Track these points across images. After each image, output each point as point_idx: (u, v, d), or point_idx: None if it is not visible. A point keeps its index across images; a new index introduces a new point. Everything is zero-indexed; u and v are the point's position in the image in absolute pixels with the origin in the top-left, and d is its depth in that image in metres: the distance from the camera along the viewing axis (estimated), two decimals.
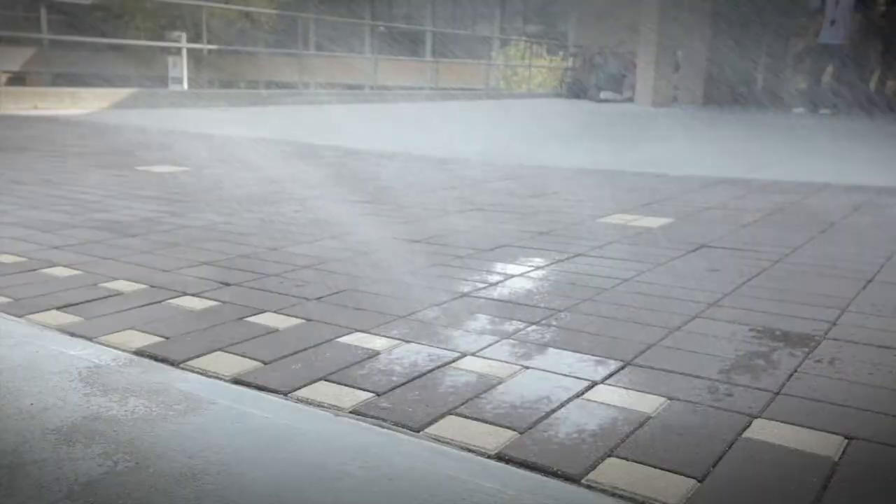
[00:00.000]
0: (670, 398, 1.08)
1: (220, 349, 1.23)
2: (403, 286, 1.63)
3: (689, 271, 1.81)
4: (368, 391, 1.08)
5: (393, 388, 1.09)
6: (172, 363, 1.17)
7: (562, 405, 1.05)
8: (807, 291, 1.65)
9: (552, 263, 1.87)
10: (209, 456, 0.88)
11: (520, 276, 1.74)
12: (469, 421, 0.99)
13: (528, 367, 1.18)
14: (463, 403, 1.05)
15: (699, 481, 0.86)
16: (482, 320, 1.41)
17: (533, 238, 2.17)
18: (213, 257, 1.85)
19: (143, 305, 1.46)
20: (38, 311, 1.40)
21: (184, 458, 0.88)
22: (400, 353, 1.23)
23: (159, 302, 1.48)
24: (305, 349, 1.24)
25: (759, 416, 1.02)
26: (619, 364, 1.20)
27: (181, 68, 9.68)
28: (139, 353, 1.21)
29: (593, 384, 1.12)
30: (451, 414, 1.01)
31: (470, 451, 0.92)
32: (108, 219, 2.31)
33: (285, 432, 0.95)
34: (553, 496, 0.82)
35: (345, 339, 1.29)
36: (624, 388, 1.11)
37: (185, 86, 9.67)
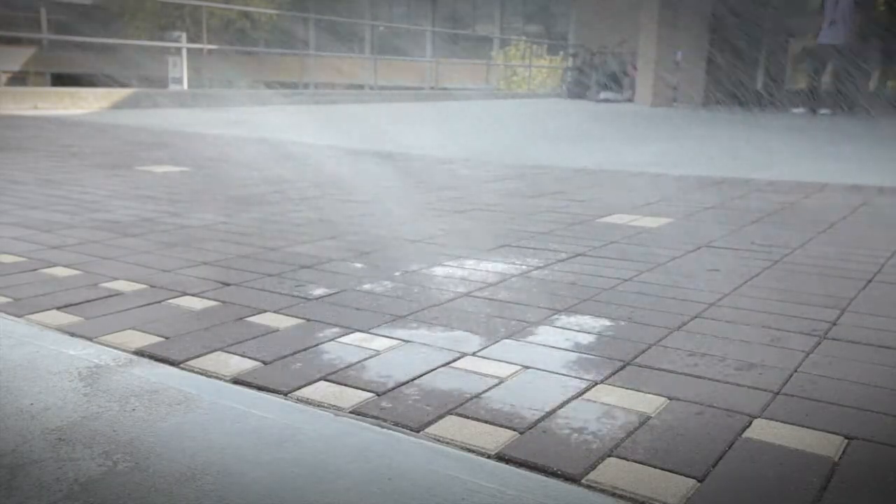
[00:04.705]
0: (670, 398, 1.08)
1: (220, 349, 1.23)
2: (403, 286, 1.63)
3: (689, 271, 1.81)
4: (368, 391, 1.08)
5: (393, 388, 1.09)
6: (172, 363, 1.17)
7: (562, 405, 1.05)
8: (807, 291, 1.65)
9: (552, 263, 1.87)
10: (209, 456, 0.88)
11: (519, 276, 1.74)
12: (469, 421, 0.99)
13: (528, 367, 1.18)
14: (463, 403, 1.05)
15: (699, 481, 0.86)
16: (482, 320, 1.41)
17: (533, 238, 2.17)
18: (213, 257, 1.85)
19: (143, 305, 1.46)
20: (38, 311, 1.40)
21: (184, 458, 0.88)
22: (400, 353, 1.23)
23: (159, 302, 1.48)
24: (305, 349, 1.24)
25: (759, 416, 1.02)
26: (619, 364, 1.20)
27: (181, 68, 9.68)
28: (139, 353, 1.21)
29: (593, 384, 1.12)
30: (451, 414, 1.01)
31: (470, 451, 0.92)
32: (108, 219, 2.31)
33: (285, 432, 0.95)
34: (553, 496, 0.82)
35: (345, 339, 1.29)
36: (624, 388, 1.11)
37: (185, 86, 9.67)
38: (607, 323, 1.41)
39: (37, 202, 2.56)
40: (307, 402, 1.05)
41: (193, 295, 1.53)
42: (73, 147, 4.34)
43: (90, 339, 1.26)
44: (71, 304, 1.45)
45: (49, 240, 2.00)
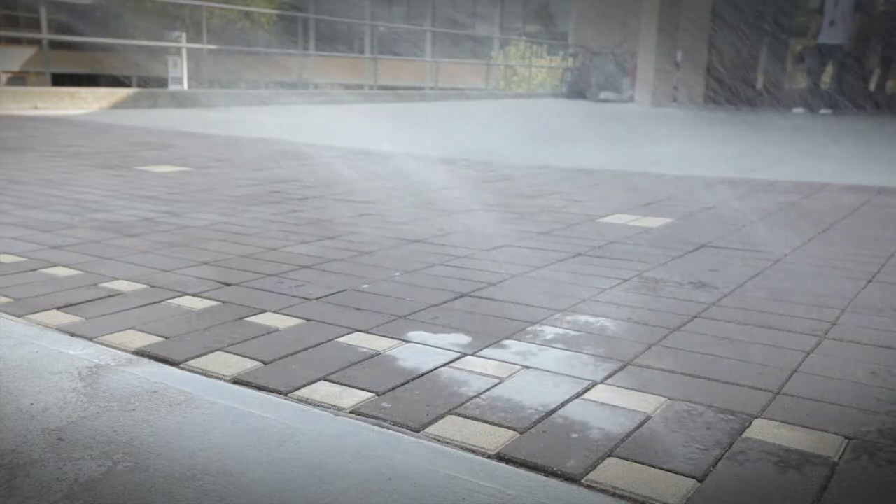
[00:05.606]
0: (670, 398, 1.08)
1: (220, 349, 1.23)
2: (403, 286, 1.63)
3: (688, 271, 1.81)
4: (368, 391, 1.08)
5: (393, 388, 1.09)
6: (172, 363, 1.17)
7: (562, 405, 1.05)
8: (807, 291, 1.65)
9: (552, 263, 1.87)
10: (209, 456, 0.88)
11: (519, 276, 1.74)
12: (469, 421, 0.99)
13: (528, 367, 1.18)
14: (463, 403, 1.05)
15: (699, 481, 0.86)
16: (481, 320, 1.41)
17: (533, 238, 2.17)
18: (213, 257, 1.85)
19: (143, 305, 1.46)
20: (38, 311, 1.40)
21: (184, 458, 0.88)
22: (400, 353, 1.23)
23: (159, 302, 1.48)
24: (305, 349, 1.24)
25: (759, 416, 1.02)
26: (619, 364, 1.20)
27: (181, 68, 9.68)
28: (139, 352, 1.21)
29: (593, 384, 1.12)
30: (451, 414, 1.01)
31: (470, 451, 0.92)
32: (108, 219, 2.31)
33: (285, 432, 0.95)
34: (553, 496, 0.82)
35: (345, 339, 1.29)
36: (624, 388, 1.11)
37: (186, 86, 9.67)
38: (607, 323, 1.41)
39: (37, 202, 2.56)
40: (307, 402, 1.05)
41: (193, 295, 1.53)
42: (73, 147, 4.34)
43: (90, 339, 1.26)
44: (71, 304, 1.45)
45: (49, 240, 2.00)
